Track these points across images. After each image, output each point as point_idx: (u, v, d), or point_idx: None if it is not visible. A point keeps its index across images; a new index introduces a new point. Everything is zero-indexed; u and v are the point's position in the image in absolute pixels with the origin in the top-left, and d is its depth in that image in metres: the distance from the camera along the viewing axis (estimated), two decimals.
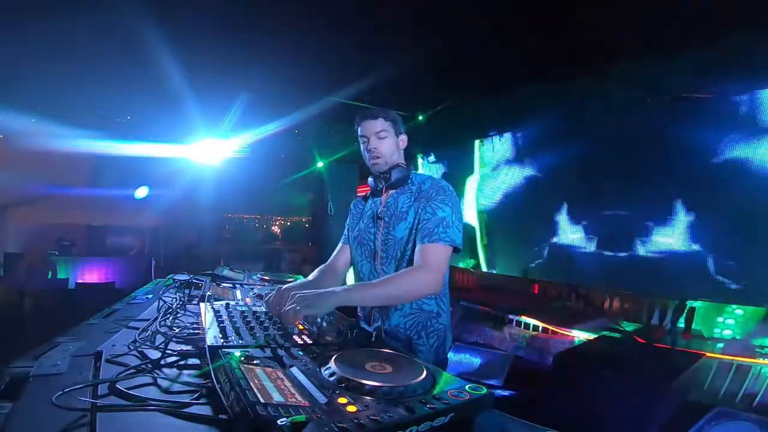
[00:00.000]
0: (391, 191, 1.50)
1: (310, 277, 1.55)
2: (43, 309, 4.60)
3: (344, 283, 1.56)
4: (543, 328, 4.20)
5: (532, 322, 4.30)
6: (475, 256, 5.76)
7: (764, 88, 3.19)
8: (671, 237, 3.66)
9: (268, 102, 4.69)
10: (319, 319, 1.12)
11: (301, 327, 1.07)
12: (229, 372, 0.71)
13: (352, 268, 1.61)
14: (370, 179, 1.55)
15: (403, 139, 1.52)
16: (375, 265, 1.48)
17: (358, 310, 1.56)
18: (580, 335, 3.93)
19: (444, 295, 1.46)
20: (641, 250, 3.87)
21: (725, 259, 3.33)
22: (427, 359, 1.39)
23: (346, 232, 1.65)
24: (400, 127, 1.51)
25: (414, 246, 1.38)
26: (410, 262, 1.37)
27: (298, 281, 1.48)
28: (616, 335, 3.65)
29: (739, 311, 3.33)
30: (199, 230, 6.98)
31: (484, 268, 5.72)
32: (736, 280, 3.27)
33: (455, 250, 1.36)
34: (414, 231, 1.39)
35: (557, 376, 2.98)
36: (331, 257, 1.64)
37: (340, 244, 1.65)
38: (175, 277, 1.96)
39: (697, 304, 3.48)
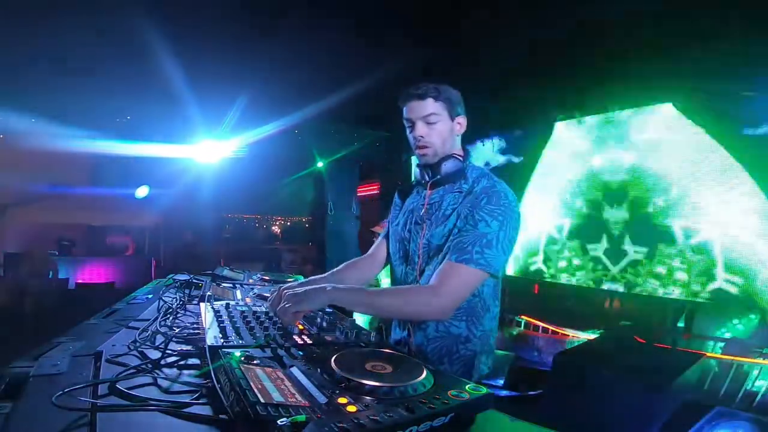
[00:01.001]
0: (438, 187, 1.27)
1: (340, 267, 1.44)
2: (43, 309, 4.61)
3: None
4: (543, 328, 4.20)
5: (532, 322, 4.30)
6: None
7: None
8: (672, 237, 3.65)
9: (268, 102, 4.69)
10: (318, 319, 1.12)
11: (301, 327, 1.07)
12: (229, 372, 0.71)
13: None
14: (416, 168, 1.32)
15: (461, 122, 1.26)
16: (407, 270, 1.31)
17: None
18: (580, 335, 3.93)
19: (479, 317, 1.23)
20: (643, 250, 3.87)
21: (727, 259, 3.33)
22: None
23: (387, 225, 1.48)
24: (456, 107, 1.24)
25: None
26: None
27: (303, 281, 1.44)
28: (616, 335, 3.65)
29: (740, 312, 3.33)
30: (199, 230, 6.99)
31: None
32: (737, 280, 3.27)
33: (492, 275, 1.14)
34: (450, 239, 1.18)
35: (557, 376, 2.99)
36: (373, 247, 1.47)
37: (380, 237, 1.49)
38: (175, 277, 1.96)
39: (697, 304, 3.49)
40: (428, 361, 1.19)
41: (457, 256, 1.11)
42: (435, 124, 1.21)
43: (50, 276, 5.42)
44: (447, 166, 1.24)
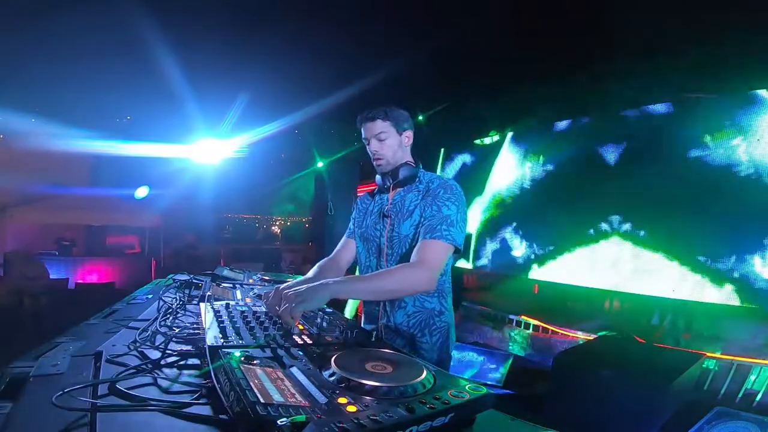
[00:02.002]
0: (398, 189, 1.50)
1: (310, 273, 1.53)
2: (43, 309, 4.60)
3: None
4: (543, 328, 4.20)
5: (532, 322, 4.30)
6: (477, 255, 5.76)
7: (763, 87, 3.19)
8: (671, 236, 3.65)
9: (268, 102, 4.69)
10: (318, 320, 1.12)
11: (301, 327, 1.07)
12: (229, 372, 0.71)
13: (357, 264, 1.62)
14: (377, 177, 1.54)
15: (408, 135, 1.49)
16: (381, 262, 1.48)
17: (362, 307, 1.57)
18: (580, 335, 3.93)
19: (447, 293, 1.47)
20: (642, 250, 3.87)
21: (727, 259, 3.33)
22: (431, 357, 1.40)
23: (351, 226, 1.65)
24: (402, 124, 1.48)
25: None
26: None
27: (297, 279, 1.46)
28: (616, 335, 3.65)
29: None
30: (199, 230, 6.99)
31: (483, 268, 5.72)
32: (735, 280, 3.27)
33: (456, 251, 1.36)
34: (419, 229, 1.39)
35: (557, 376, 2.99)
36: (334, 251, 1.64)
37: (344, 238, 1.65)
38: (175, 277, 1.97)
39: (697, 304, 3.48)
40: (410, 336, 1.39)
41: (429, 235, 1.33)
42: (385, 140, 1.45)
43: (50, 276, 5.40)
44: (403, 172, 1.47)
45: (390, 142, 1.45)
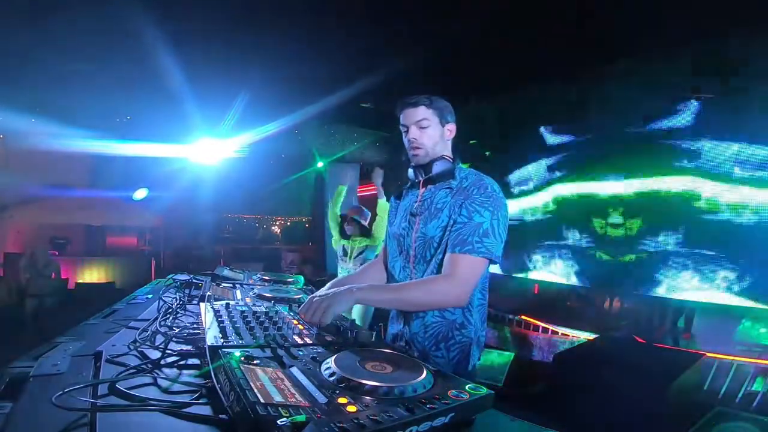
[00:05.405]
0: (430, 185, 1.38)
1: (363, 267, 1.56)
2: (43, 309, 4.61)
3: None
4: (543, 328, 4.20)
5: (532, 322, 4.30)
6: None
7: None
8: (672, 237, 3.65)
9: (268, 102, 4.68)
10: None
11: (301, 327, 1.07)
12: (229, 372, 0.71)
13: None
14: (410, 170, 1.43)
15: (451, 128, 1.38)
16: (407, 264, 1.39)
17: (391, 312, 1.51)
18: (580, 335, 3.93)
19: (474, 306, 1.32)
20: (641, 250, 3.87)
21: (725, 259, 3.33)
22: None
23: (387, 225, 1.58)
24: (447, 115, 1.37)
25: (446, 248, 1.26)
26: (441, 265, 1.27)
27: (334, 281, 1.43)
28: (616, 335, 3.65)
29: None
30: (199, 230, 6.99)
31: None
32: (735, 280, 3.27)
33: (492, 261, 1.24)
34: (447, 232, 1.27)
35: (557, 375, 2.99)
36: (381, 251, 1.60)
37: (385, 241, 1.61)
38: (175, 277, 1.96)
39: (697, 304, 3.48)
40: (425, 348, 1.28)
41: (460, 248, 1.21)
42: (426, 129, 1.34)
43: (53, 276, 5.41)
44: (438, 166, 1.35)
45: (431, 132, 1.34)
